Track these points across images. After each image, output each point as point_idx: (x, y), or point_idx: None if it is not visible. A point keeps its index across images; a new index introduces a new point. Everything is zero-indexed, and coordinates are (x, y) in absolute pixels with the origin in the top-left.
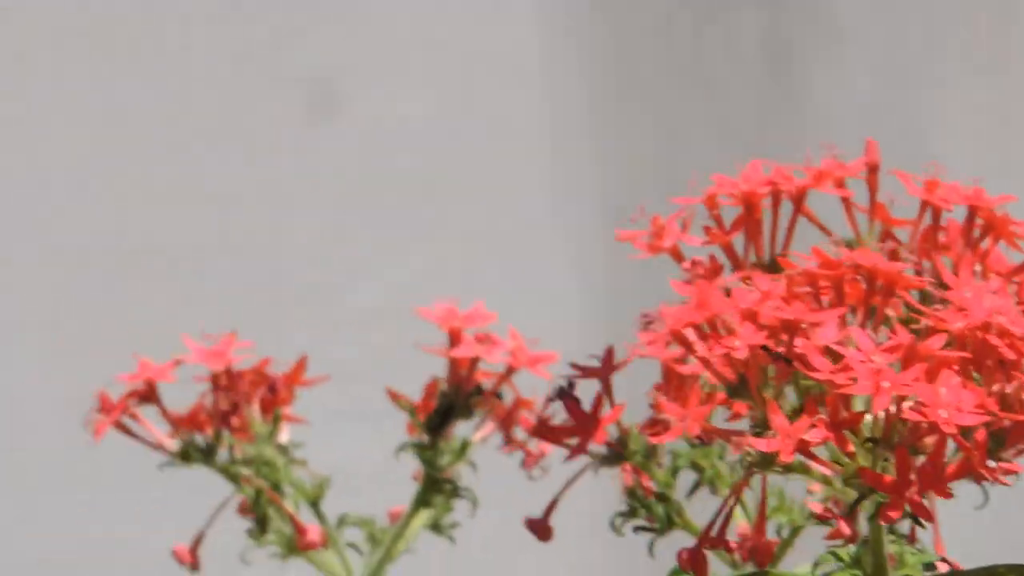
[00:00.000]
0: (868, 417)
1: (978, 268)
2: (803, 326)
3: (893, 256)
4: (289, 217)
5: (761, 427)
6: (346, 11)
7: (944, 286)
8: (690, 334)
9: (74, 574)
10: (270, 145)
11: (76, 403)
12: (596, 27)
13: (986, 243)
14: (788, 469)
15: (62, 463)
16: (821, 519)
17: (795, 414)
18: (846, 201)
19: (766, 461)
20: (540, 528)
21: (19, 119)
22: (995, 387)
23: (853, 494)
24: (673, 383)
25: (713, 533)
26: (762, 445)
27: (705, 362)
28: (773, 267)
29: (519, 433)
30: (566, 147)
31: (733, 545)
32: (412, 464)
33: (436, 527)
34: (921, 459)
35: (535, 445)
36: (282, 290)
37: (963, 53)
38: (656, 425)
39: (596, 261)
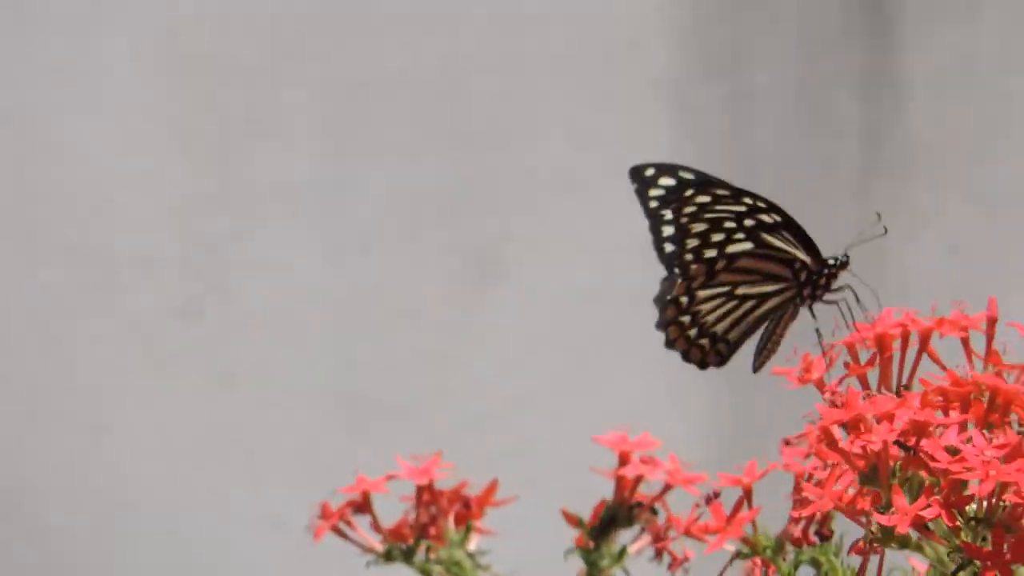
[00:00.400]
0: (973, 503)
1: None
2: (931, 428)
3: None
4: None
5: (885, 509)
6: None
7: None
8: (836, 431)
9: None
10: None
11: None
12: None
13: None
14: (903, 544)
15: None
16: None
17: (913, 498)
18: (964, 341)
19: (886, 534)
20: None
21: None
22: None
23: (953, 566)
24: (800, 492)
25: None
26: (884, 520)
27: (845, 454)
28: (899, 396)
29: (671, 546)
30: None
31: None
32: (579, 564)
33: None
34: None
35: (680, 550)
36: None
37: None
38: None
39: (704, 409)
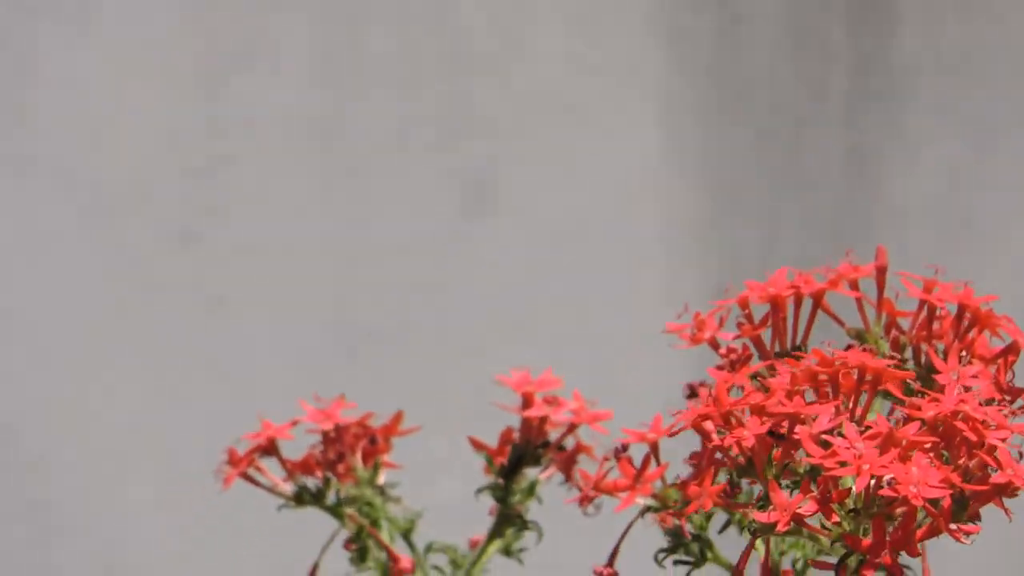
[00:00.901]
0: (852, 491)
1: (964, 354)
2: (802, 417)
3: (895, 345)
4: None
5: (764, 501)
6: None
7: (934, 370)
8: (708, 425)
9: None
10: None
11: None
12: (708, 139)
13: (972, 333)
14: (787, 533)
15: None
16: (819, 567)
17: (793, 488)
18: (858, 299)
19: (766, 529)
20: (608, 573)
21: None
22: (960, 462)
23: (841, 551)
24: (703, 453)
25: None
26: (763, 517)
27: (720, 449)
28: (795, 354)
29: (577, 476)
30: (680, 237)
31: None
32: (489, 501)
33: (507, 552)
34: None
35: (591, 493)
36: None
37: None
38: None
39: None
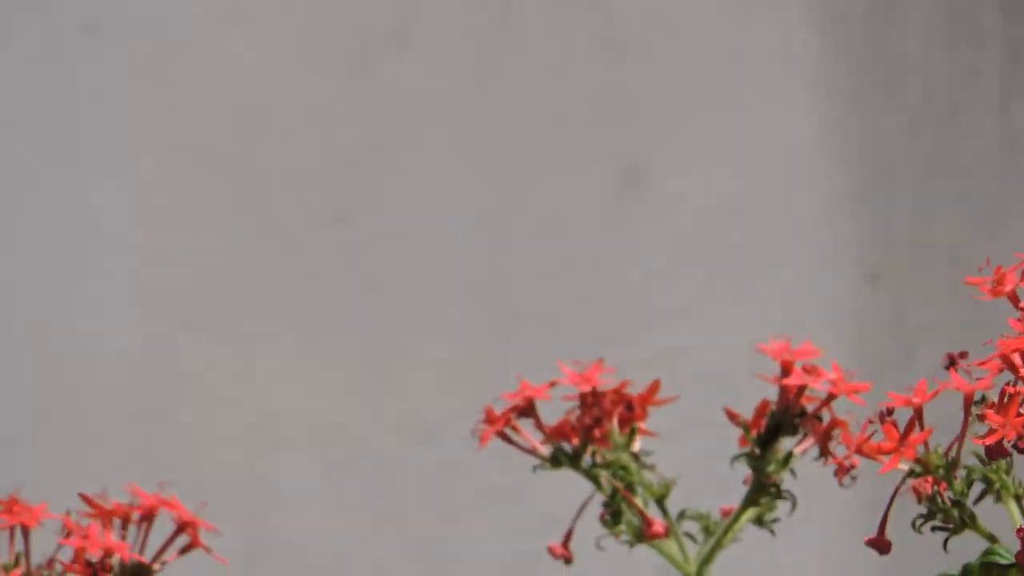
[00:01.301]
0: None
1: None
2: None
3: None
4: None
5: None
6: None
7: None
8: (1016, 359)
9: None
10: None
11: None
12: (862, 125)
13: None
14: None
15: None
16: None
17: None
18: None
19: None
20: (879, 544)
21: None
22: None
23: None
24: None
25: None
26: None
27: None
28: None
29: (836, 445)
30: (833, 224)
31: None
32: (744, 470)
33: (759, 522)
34: None
35: (847, 459)
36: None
37: None
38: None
39: (854, 321)
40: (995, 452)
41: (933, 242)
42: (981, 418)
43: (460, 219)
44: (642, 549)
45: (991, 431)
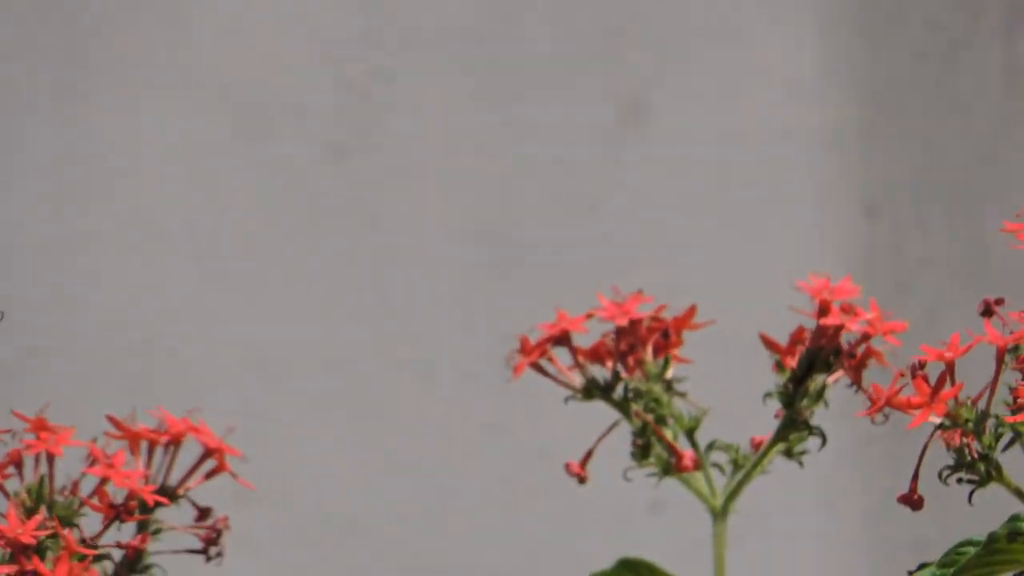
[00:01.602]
0: None
1: None
2: None
3: None
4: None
5: None
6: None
7: None
8: None
9: None
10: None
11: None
12: (866, 57)
13: None
14: None
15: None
16: None
17: None
18: None
19: None
20: (911, 500)
21: None
22: None
23: None
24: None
25: None
26: None
27: None
28: None
29: (868, 385)
30: (835, 158)
31: None
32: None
33: (789, 454)
34: None
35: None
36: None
37: None
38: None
39: (854, 254)
40: None
41: (933, 176)
42: (999, 365)
43: (462, 155)
44: (637, 483)
45: (981, 420)
